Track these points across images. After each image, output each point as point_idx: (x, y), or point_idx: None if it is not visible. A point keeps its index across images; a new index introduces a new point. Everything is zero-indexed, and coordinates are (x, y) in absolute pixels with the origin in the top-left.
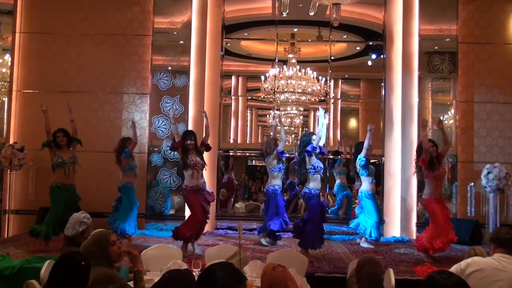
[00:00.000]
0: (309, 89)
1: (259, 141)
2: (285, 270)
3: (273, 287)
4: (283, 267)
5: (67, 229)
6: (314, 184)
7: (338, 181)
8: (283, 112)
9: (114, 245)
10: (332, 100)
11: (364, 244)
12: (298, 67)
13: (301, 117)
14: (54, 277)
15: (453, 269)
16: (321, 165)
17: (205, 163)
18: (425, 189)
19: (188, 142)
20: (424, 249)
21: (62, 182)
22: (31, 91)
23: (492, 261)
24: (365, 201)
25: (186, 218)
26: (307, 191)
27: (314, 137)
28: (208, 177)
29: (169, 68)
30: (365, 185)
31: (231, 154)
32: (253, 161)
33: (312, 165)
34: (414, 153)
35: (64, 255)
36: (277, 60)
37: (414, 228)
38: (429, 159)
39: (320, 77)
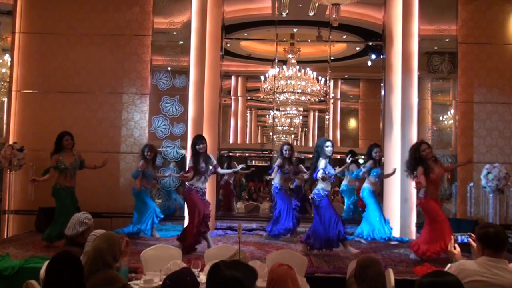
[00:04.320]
0: (309, 89)
1: (259, 141)
2: (290, 270)
3: (274, 283)
4: (289, 267)
5: (67, 228)
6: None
7: (345, 182)
8: (282, 112)
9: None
10: (331, 101)
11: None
12: (297, 67)
13: (301, 117)
14: (51, 276)
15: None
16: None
17: (211, 169)
18: (421, 190)
19: (200, 146)
20: (422, 254)
21: (65, 185)
22: (30, 91)
23: (482, 270)
24: (367, 199)
25: (187, 226)
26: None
27: (323, 162)
28: None
29: (169, 68)
30: (369, 181)
31: (230, 154)
32: (253, 161)
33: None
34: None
35: (57, 254)
36: (276, 60)
37: (413, 228)
38: (424, 167)
39: (319, 77)
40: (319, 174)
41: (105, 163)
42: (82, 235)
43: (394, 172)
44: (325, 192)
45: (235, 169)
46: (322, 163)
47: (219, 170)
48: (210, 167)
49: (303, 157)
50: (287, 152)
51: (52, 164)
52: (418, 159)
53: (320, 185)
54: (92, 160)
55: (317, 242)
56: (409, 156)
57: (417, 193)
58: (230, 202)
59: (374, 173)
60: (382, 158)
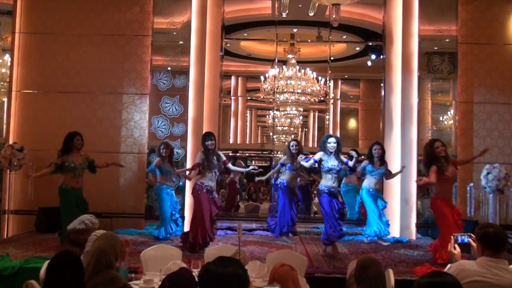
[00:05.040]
0: (309, 90)
1: (259, 141)
2: (292, 270)
3: (275, 282)
4: (291, 267)
5: (71, 223)
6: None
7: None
8: (282, 113)
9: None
10: (331, 101)
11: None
12: (297, 67)
13: (301, 117)
14: (51, 276)
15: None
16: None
17: (220, 164)
18: (434, 189)
19: (209, 142)
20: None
21: (71, 185)
22: (30, 91)
23: (481, 270)
24: (365, 199)
25: (190, 223)
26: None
27: (317, 154)
28: None
29: (169, 68)
30: (367, 181)
31: (231, 154)
32: (253, 161)
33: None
34: (414, 154)
35: (57, 254)
36: (276, 61)
37: (413, 228)
38: (438, 166)
39: (319, 78)
40: (299, 159)
41: (116, 163)
42: (78, 234)
43: (401, 171)
44: (325, 188)
45: (246, 169)
46: (317, 155)
47: (230, 166)
48: (219, 163)
49: None
50: (294, 147)
51: (56, 162)
52: (432, 156)
53: (322, 181)
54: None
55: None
56: (423, 154)
57: (418, 191)
58: (234, 201)
59: (371, 173)
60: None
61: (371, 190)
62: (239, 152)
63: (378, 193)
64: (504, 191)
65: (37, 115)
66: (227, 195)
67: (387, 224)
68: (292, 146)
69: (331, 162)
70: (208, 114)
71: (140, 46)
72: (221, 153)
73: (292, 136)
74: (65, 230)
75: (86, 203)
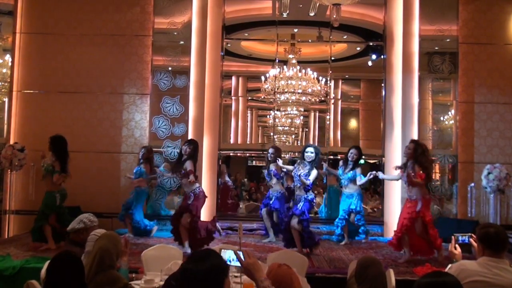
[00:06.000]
0: (309, 90)
1: (259, 141)
2: (290, 268)
3: (280, 284)
4: (288, 266)
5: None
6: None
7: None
8: (283, 113)
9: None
10: (332, 101)
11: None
12: (298, 67)
13: (301, 117)
14: (51, 276)
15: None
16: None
17: (186, 174)
18: None
19: (183, 147)
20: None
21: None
22: (31, 91)
23: (482, 270)
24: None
25: None
26: None
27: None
28: (208, 179)
29: (169, 68)
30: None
31: (231, 154)
32: (253, 162)
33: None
34: None
35: (58, 254)
36: (277, 61)
37: None
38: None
39: (320, 78)
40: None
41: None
42: (78, 233)
43: (371, 177)
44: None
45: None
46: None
47: (190, 178)
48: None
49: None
50: (269, 155)
51: None
52: None
53: None
54: (93, 160)
55: None
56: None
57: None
58: (226, 204)
59: (340, 177)
60: (383, 158)
61: (343, 193)
62: (240, 152)
63: (351, 195)
64: (505, 191)
65: (38, 115)
66: (221, 197)
67: (361, 228)
68: (269, 153)
69: (297, 172)
70: (208, 114)
71: (140, 46)
72: (188, 163)
73: (293, 137)
74: (34, 230)
75: (58, 207)
